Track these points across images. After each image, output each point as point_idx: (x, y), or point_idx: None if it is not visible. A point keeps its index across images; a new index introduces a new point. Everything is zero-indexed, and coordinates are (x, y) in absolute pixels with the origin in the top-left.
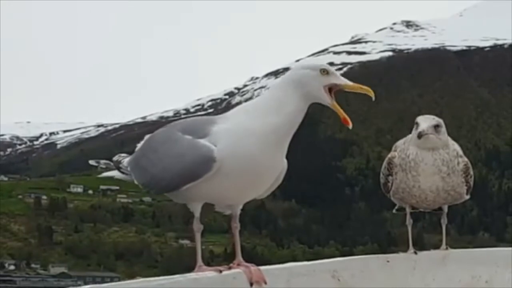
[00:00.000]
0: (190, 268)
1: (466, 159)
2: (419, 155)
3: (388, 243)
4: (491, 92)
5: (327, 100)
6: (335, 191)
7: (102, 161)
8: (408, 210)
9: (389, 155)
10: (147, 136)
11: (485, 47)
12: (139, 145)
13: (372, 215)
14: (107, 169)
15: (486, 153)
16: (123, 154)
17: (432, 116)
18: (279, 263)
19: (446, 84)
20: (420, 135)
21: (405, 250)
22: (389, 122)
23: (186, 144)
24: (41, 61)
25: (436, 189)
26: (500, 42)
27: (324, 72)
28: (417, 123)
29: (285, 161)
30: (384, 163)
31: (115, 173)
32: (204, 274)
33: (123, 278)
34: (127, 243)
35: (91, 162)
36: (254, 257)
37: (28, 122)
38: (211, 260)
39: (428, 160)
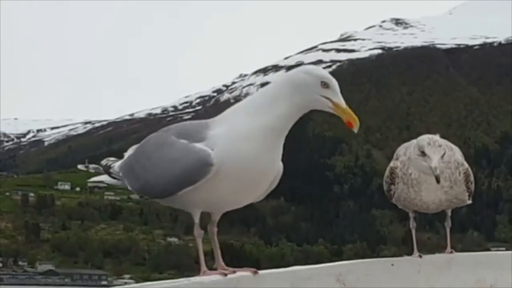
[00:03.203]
0: (177, 266)
1: (466, 165)
2: (422, 177)
3: (376, 241)
4: (480, 90)
5: (325, 106)
6: (324, 189)
7: (91, 166)
8: (411, 214)
9: (392, 165)
10: (138, 144)
11: (474, 46)
12: (130, 150)
13: (360, 213)
14: (96, 173)
15: (475, 151)
16: (111, 158)
17: (438, 143)
18: (267, 261)
19: (435, 82)
20: (438, 180)
21: (395, 248)
22: (378, 120)
23: (182, 149)
24: (29, 58)
25: (438, 201)
26: (489, 41)
27: (325, 85)
28: (424, 153)
29: (281, 164)
30: (387, 172)
31: (104, 178)
32: (209, 277)
33: (111, 276)
34: (115, 240)
35: (80, 166)
36: (243, 256)
37: (16, 119)
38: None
39: (431, 181)
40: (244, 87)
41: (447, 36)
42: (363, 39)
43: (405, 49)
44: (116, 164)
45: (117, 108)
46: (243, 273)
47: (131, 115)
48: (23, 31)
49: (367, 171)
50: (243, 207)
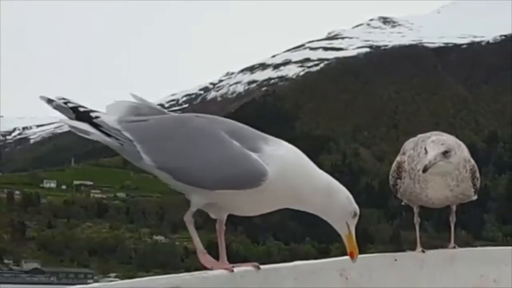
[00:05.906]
0: (164, 264)
1: (472, 161)
2: (429, 176)
3: (364, 240)
4: (468, 89)
5: (342, 230)
6: None
7: (56, 102)
8: (416, 210)
9: (398, 159)
10: (174, 116)
11: (462, 44)
12: (151, 118)
13: None
14: (63, 113)
15: None
16: (71, 103)
17: (442, 141)
18: (254, 260)
19: (423, 81)
20: (425, 170)
21: (382, 246)
22: (365, 118)
23: (238, 152)
24: (15, 55)
25: (444, 198)
26: (477, 40)
27: (354, 215)
28: (425, 150)
29: None
30: (394, 166)
31: (86, 127)
32: (212, 272)
33: (97, 274)
34: (101, 239)
35: (42, 98)
36: (229, 254)
37: (1, 116)
38: (185, 257)
39: (438, 181)
40: (231, 85)
41: (435, 35)
42: (351, 38)
43: (393, 47)
44: (110, 119)
45: (103, 106)
46: (246, 268)
47: None
48: (11, 27)
49: (354, 170)
50: None
